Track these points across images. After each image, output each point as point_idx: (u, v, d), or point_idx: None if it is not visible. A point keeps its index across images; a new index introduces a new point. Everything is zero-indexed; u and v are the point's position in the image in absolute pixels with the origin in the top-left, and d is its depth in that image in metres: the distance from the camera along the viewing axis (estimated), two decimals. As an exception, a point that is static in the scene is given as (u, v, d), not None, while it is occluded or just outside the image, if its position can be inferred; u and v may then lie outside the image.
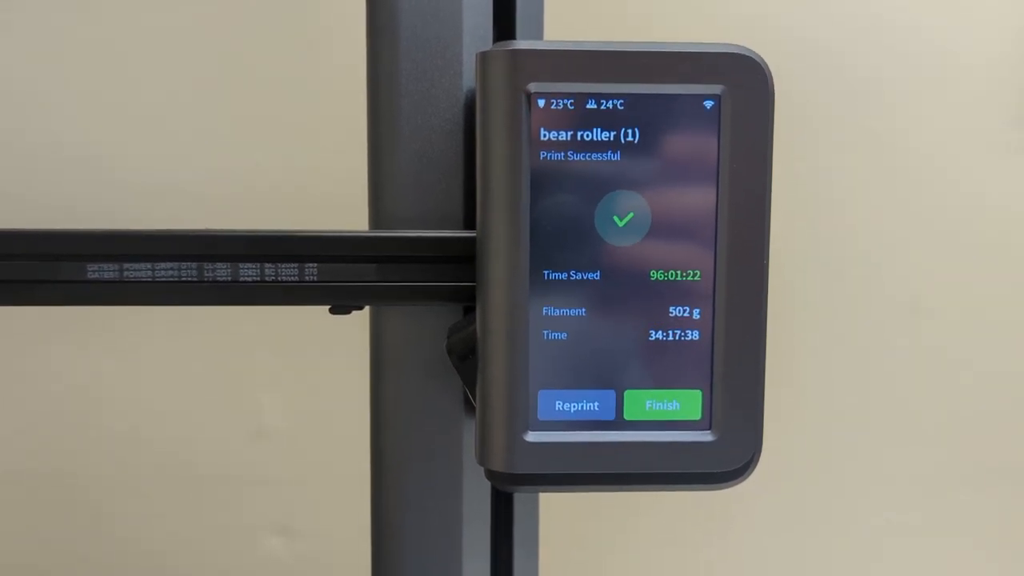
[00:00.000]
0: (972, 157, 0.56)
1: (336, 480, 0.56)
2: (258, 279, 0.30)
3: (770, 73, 0.25)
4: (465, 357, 0.27)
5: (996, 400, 0.58)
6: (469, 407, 0.32)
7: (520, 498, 0.34)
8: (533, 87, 0.24)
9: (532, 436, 0.25)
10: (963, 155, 0.56)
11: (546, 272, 0.25)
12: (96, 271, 0.29)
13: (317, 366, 0.55)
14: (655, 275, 0.25)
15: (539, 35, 0.33)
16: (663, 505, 0.58)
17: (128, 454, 0.55)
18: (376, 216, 0.32)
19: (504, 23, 0.32)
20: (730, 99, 0.24)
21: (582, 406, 0.25)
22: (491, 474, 0.26)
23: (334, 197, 0.52)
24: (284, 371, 0.55)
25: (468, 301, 0.31)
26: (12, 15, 0.50)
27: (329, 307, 0.31)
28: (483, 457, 0.26)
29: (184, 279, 0.29)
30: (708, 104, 0.25)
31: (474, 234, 0.30)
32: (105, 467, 0.55)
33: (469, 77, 0.31)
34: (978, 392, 0.58)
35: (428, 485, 0.32)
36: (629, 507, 0.58)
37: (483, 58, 0.25)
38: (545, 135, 0.25)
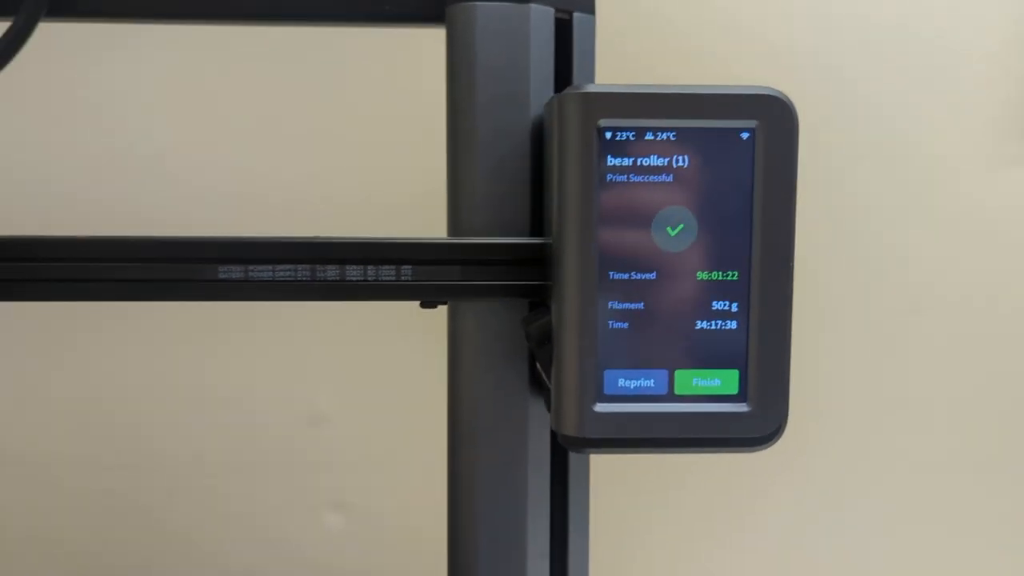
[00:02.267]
0: (974, 169, 0.61)
1: (386, 460, 0.61)
2: (362, 279, 0.35)
3: (795, 109, 0.30)
4: (543, 343, 0.32)
5: (995, 394, 0.63)
6: (533, 385, 0.38)
7: (574, 461, 0.39)
8: (603, 122, 0.30)
9: (600, 407, 0.31)
10: (965, 167, 0.61)
11: (611, 273, 0.30)
12: (225, 272, 0.34)
13: (368, 359, 0.61)
14: (701, 275, 0.31)
15: (592, 74, 0.38)
16: (690, 484, 0.63)
17: (198, 439, 0.60)
18: (455, 225, 0.38)
19: (562, 61, 0.38)
20: (763, 131, 0.30)
21: (640, 383, 0.31)
22: (564, 438, 0.32)
23: (405, 207, 0.58)
24: (338, 364, 0.60)
25: (534, 297, 0.36)
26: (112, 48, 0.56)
27: (420, 302, 0.37)
28: (558, 424, 0.31)
29: (300, 279, 0.35)
30: (744, 135, 0.30)
31: (540, 240, 0.36)
32: (177, 452, 0.60)
33: (535, 109, 0.36)
34: (978, 385, 0.63)
35: (498, 450, 0.38)
36: (668, 474, 0.63)
37: (561, 99, 0.30)
38: (611, 161, 0.30)
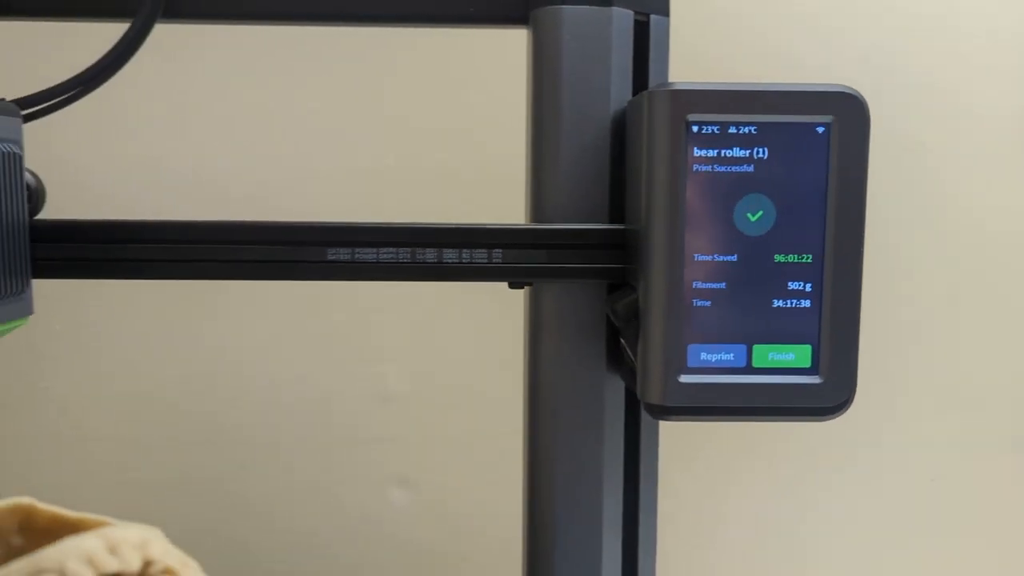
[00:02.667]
0: (995, 179, 0.64)
1: (449, 439, 0.64)
2: (456, 261, 0.38)
3: (867, 106, 0.33)
4: (629, 320, 0.35)
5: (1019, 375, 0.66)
6: (610, 360, 0.41)
7: (645, 434, 0.42)
8: (691, 117, 0.32)
9: (684, 378, 0.33)
10: (989, 178, 0.64)
11: (696, 255, 0.33)
12: (334, 254, 0.38)
13: (434, 341, 0.64)
14: (778, 258, 0.33)
15: (666, 72, 0.41)
16: (748, 452, 0.66)
17: (274, 416, 0.63)
18: (536, 212, 0.41)
19: (639, 60, 0.40)
20: (837, 126, 0.32)
21: (721, 356, 0.34)
22: (650, 407, 0.34)
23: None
24: (406, 345, 0.64)
25: (614, 279, 0.39)
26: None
27: (508, 283, 0.39)
28: (644, 394, 0.34)
29: (401, 261, 0.38)
30: (820, 129, 0.33)
31: (620, 227, 0.39)
32: (254, 428, 0.64)
33: (615, 105, 0.39)
34: (1004, 369, 0.66)
35: (576, 422, 0.40)
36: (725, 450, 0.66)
37: (652, 95, 0.33)
38: (698, 152, 0.33)
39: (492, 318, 0.63)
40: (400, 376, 0.64)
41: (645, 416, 0.42)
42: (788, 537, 0.67)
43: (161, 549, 0.20)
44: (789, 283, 0.33)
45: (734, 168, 0.33)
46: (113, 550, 0.19)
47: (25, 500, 0.22)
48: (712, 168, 0.33)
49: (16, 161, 0.35)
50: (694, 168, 0.33)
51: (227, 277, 0.37)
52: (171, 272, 0.37)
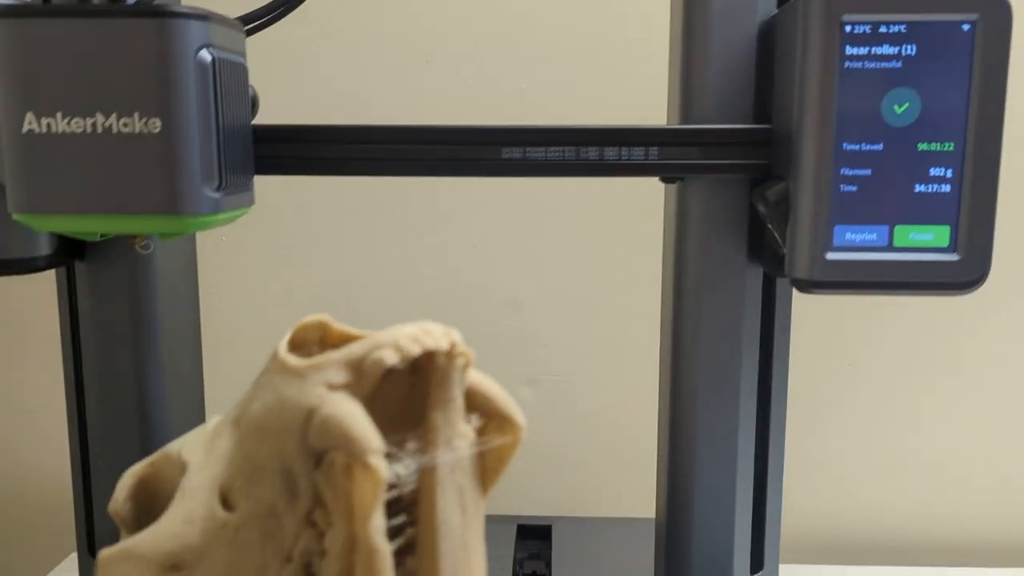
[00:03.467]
0: None
1: (571, 341, 0.70)
2: (616, 159, 0.42)
3: (1011, 5, 0.35)
4: (778, 203, 0.39)
5: None
6: (750, 250, 0.45)
7: (779, 313, 0.46)
8: (845, 17, 0.36)
9: (831, 256, 0.38)
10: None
11: (845, 144, 0.37)
12: (508, 153, 0.42)
13: (557, 251, 0.69)
14: (921, 146, 0.37)
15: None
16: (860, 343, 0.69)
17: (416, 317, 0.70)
18: (685, 114, 0.45)
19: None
20: (982, 23, 0.35)
21: (865, 236, 0.38)
22: (797, 281, 0.39)
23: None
24: (535, 255, 0.69)
25: (757, 174, 0.43)
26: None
27: (660, 178, 0.44)
28: (793, 270, 0.38)
29: (566, 159, 0.42)
30: (966, 27, 0.36)
31: (765, 126, 0.42)
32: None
33: (762, 15, 0.42)
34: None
35: (718, 301, 0.45)
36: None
37: (808, 0, 0.37)
38: (849, 50, 0.36)
39: (619, 232, 0.67)
40: (528, 284, 0.69)
41: (780, 301, 0.46)
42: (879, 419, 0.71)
43: (459, 337, 0.26)
44: (931, 169, 0.37)
45: (883, 64, 0.36)
46: (428, 333, 0.24)
47: (324, 317, 0.28)
48: (863, 65, 0.36)
49: (243, 71, 0.40)
50: (846, 65, 0.36)
51: (415, 174, 0.43)
52: (365, 169, 0.43)
